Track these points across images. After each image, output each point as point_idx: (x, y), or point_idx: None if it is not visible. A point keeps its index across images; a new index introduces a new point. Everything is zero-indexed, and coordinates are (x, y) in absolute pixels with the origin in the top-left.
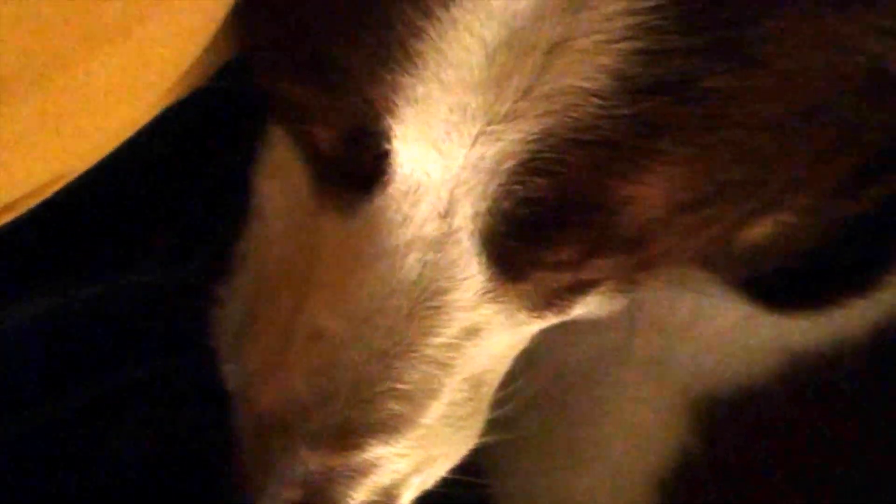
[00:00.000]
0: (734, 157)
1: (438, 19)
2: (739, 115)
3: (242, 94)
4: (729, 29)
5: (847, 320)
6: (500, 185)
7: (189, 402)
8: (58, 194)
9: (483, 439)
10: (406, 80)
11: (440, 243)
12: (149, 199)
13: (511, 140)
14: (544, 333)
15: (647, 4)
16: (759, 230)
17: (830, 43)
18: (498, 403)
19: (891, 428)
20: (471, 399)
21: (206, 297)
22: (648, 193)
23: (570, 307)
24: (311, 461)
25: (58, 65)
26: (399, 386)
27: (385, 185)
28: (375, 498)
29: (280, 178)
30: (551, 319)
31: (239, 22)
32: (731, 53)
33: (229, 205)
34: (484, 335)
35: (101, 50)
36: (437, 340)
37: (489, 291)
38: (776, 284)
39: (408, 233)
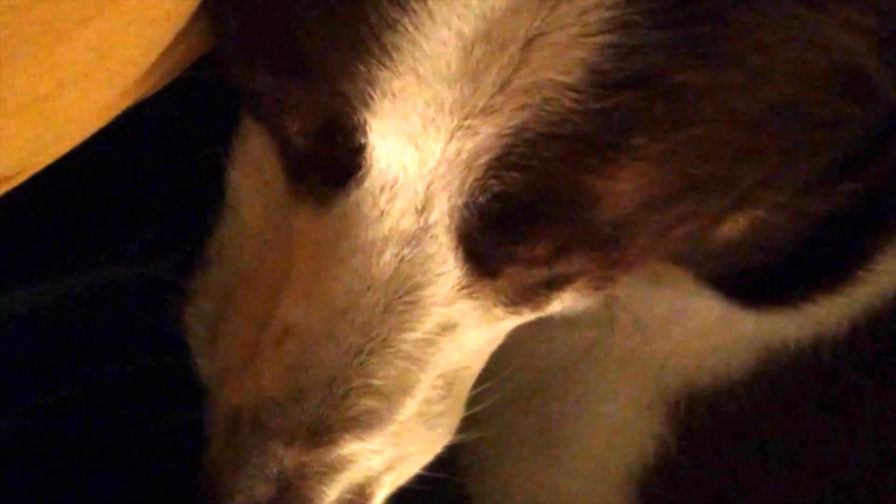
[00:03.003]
0: (706, 152)
1: (414, 12)
2: (712, 111)
3: (216, 85)
4: (702, 24)
5: (823, 316)
6: (476, 179)
7: (162, 397)
8: (32, 190)
9: (459, 437)
10: (382, 73)
11: (416, 238)
12: (122, 193)
13: (488, 134)
14: (522, 330)
15: None
16: (733, 226)
17: (803, 39)
18: (475, 401)
19: (868, 423)
20: (446, 396)
21: (179, 291)
22: (621, 189)
23: (545, 303)
24: (285, 458)
25: (22, 51)
26: (373, 382)
27: (361, 179)
28: (349, 495)
29: (254, 172)
30: (527, 315)
31: (207, 12)
32: (703, 49)
33: (202, 198)
34: (460, 331)
35: (66, 35)
36: (413, 336)
37: (465, 287)
38: (752, 281)
39: (384, 228)
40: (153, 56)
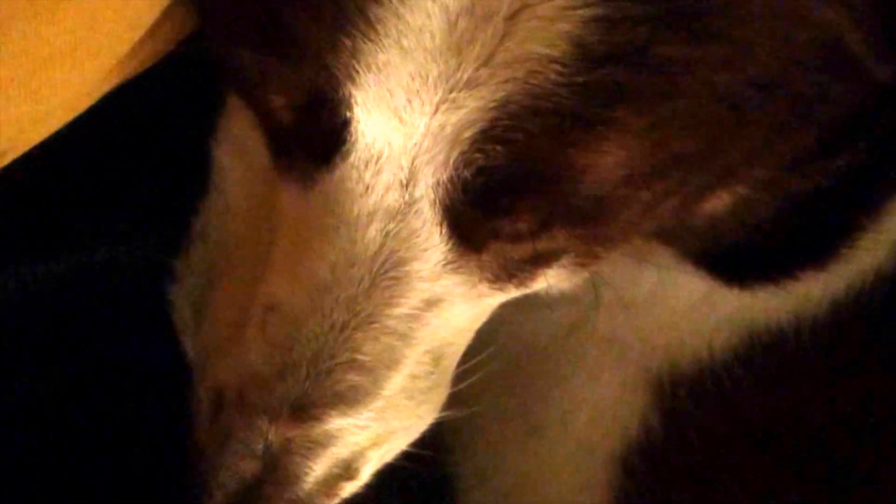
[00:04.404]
0: (690, 127)
1: None
2: (695, 85)
3: (200, 63)
4: None
5: (805, 295)
6: (460, 153)
7: (148, 376)
8: (18, 171)
9: (444, 414)
10: (366, 46)
11: (401, 213)
12: (106, 173)
13: (472, 108)
14: (507, 308)
15: None
16: (717, 203)
17: (787, 14)
18: (459, 378)
19: (849, 401)
20: (432, 372)
21: (164, 270)
22: (605, 162)
23: (530, 279)
24: (270, 434)
25: (5, 29)
26: (359, 357)
27: (345, 154)
28: (336, 471)
29: (239, 149)
30: (512, 292)
31: None
32: (687, 23)
33: (187, 176)
34: (445, 307)
35: (49, 13)
36: (398, 311)
37: (450, 262)
38: (736, 259)
39: (369, 203)
40: (138, 33)
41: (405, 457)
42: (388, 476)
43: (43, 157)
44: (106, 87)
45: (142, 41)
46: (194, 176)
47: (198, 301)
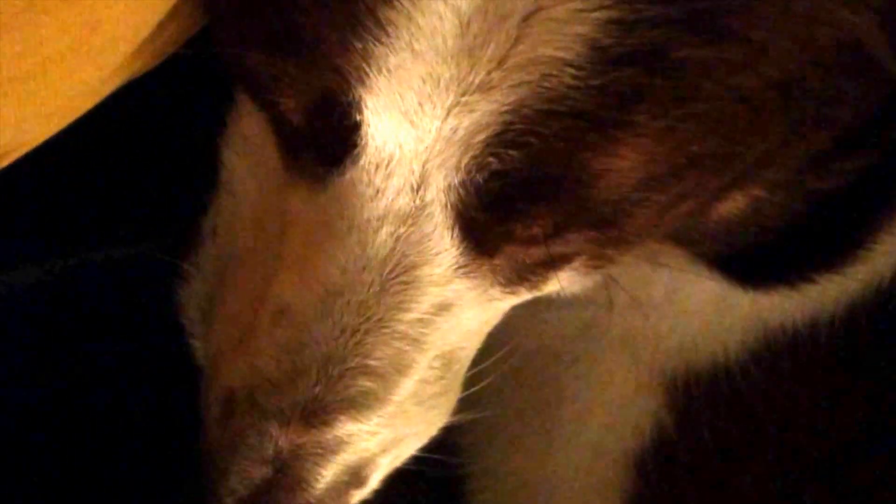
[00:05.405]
0: (707, 129)
1: None
2: (712, 87)
3: (209, 63)
4: (703, 0)
5: (822, 296)
6: (473, 157)
7: (158, 377)
8: (23, 169)
9: (456, 417)
10: (377, 49)
11: (413, 217)
12: (114, 172)
13: (485, 111)
14: (519, 309)
15: None
16: (732, 205)
17: (805, 15)
18: (471, 381)
19: (865, 402)
20: (442, 377)
21: (173, 271)
22: (620, 166)
23: (542, 282)
24: (280, 438)
25: (5, 28)
26: (370, 362)
27: (356, 157)
28: (345, 478)
29: (248, 150)
30: (524, 295)
31: None
32: (704, 24)
33: (195, 176)
34: (456, 311)
35: (51, 12)
36: (409, 316)
37: (461, 266)
38: (750, 260)
39: (380, 206)
40: (143, 33)
41: (416, 460)
42: (399, 477)
43: (52, 156)
44: (109, 88)
45: (146, 41)
46: (203, 176)
47: (206, 302)
